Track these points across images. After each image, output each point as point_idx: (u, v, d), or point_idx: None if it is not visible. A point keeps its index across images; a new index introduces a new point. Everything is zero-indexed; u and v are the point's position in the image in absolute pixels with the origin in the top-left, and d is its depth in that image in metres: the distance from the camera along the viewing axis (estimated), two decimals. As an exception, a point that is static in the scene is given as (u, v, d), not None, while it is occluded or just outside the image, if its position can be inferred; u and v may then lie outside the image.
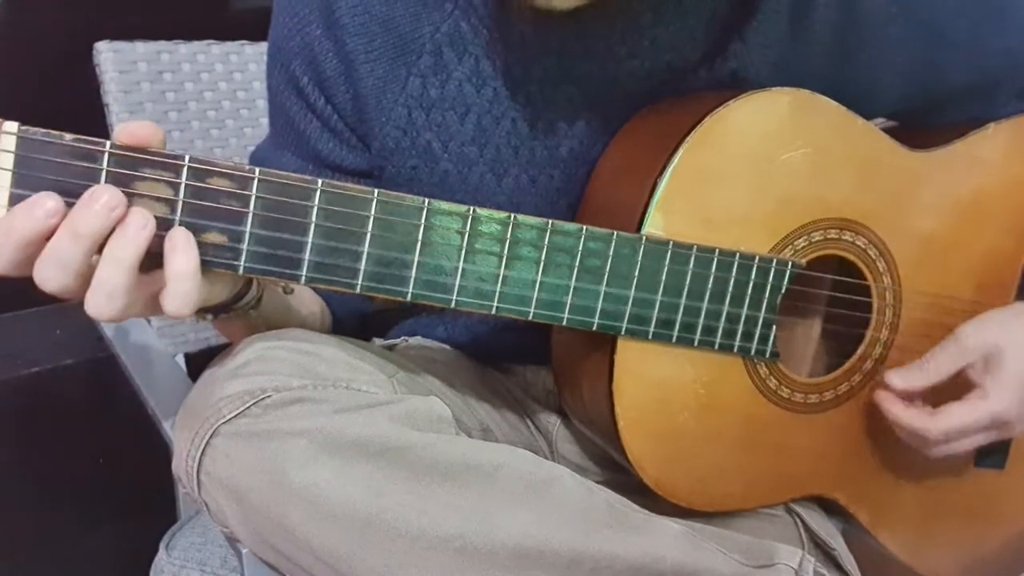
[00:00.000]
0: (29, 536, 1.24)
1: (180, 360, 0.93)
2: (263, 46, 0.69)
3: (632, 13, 0.61)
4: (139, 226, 0.44)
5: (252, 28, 0.82)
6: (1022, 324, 0.63)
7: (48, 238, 0.43)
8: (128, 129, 0.45)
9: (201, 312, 0.56)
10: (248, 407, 0.50)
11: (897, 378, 0.64)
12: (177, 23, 1.02)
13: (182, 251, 0.45)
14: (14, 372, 1.51)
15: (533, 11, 0.55)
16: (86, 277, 0.44)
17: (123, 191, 0.44)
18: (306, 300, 0.69)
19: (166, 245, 0.46)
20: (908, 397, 0.64)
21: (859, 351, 0.65)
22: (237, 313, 0.57)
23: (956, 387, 0.63)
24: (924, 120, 0.70)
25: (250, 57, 0.98)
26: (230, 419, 0.50)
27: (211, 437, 0.50)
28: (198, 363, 0.59)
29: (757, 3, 0.62)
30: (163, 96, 0.91)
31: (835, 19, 0.63)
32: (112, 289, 0.44)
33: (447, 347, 0.78)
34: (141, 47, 0.90)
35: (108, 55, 0.88)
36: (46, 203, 0.43)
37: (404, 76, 0.64)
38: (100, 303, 0.44)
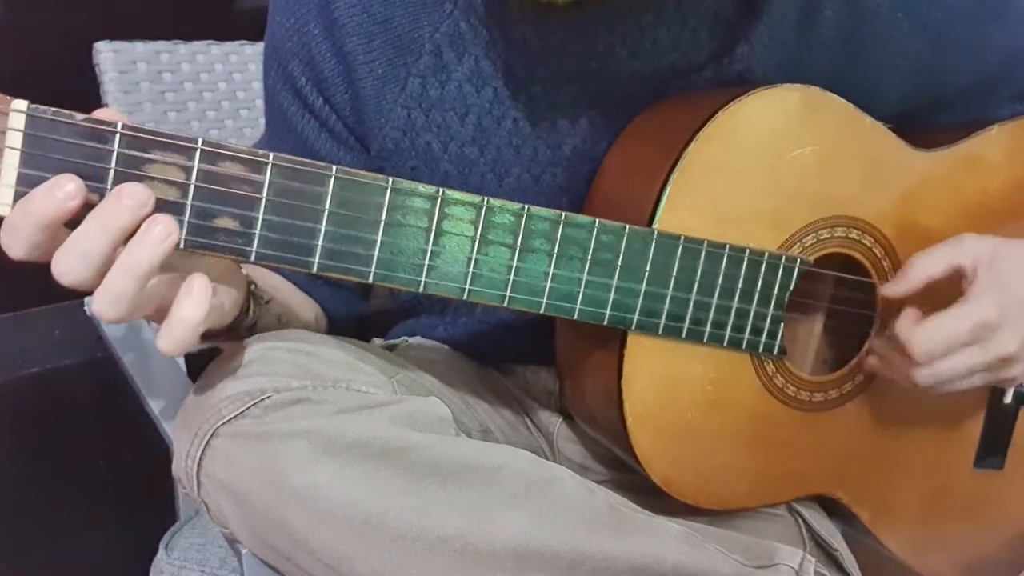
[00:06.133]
0: (29, 536, 1.24)
1: (180, 360, 0.93)
2: (263, 46, 0.69)
3: (633, 14, 0.61)
4: (159, 238, 0.43)
5: (252, 28, 0.82)
6: (1023, 245, 0.61)
7: (67, 224, 0.43)
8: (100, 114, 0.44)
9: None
10: (248, 408, 0.50)
11: (887, 288, 0.61)
12: (177, 23, 1.02)
13: (195, 300, 0.45)
14: (14, 372, 1.51)
15: (534, 8, 0.55)
16: (104, 273, 0.43)
17: (133, 172, 0.44)
18: (302, 309, 0.69)
19: (182, 287, 0.45)
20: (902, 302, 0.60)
21: (863, 350, 0.65)
22: (229, 338, 0.57)
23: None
24: (924, 121, 0.70)
25: (250, 57, 0.99)
26: (230, 420, 0.49)
27: (211, 438, 0.50)
28: (198, 363, 0.59)
29: (763, 6, 0.62)
30: (163, 96, 0.91)
31: (841, 21, 0.63)
32: (118, 295, 0.43)
33: (447, 347, 0.78)
34: (141, 47, 0.90)
35: (108, 55, 0.88)
36: (66, 185, 0.42)
37: (403, 76, 0.64)
38: (104, 306, 0.44)
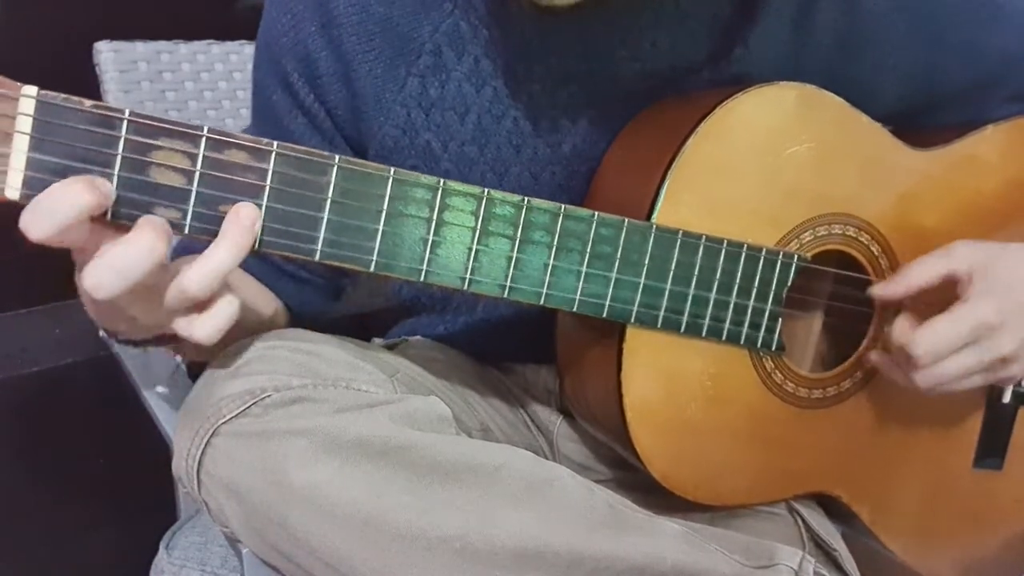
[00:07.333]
0: (30, 536, 1.24)
1: (180, 359, 0.93)
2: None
3: (631, 15, 0.61)
4: (148, 247, 0.43)
5: (252, 28, 0.82)
6: (1016, 249, 0.61)
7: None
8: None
9: (144, 343, 0.56)
10: (248, 407, 0.50)
11: (878, 288, 0.61)
12: (177, 23, 1.02)
13: (233, 238, 0.46)
14: (15, 371, 1.51)
15: (534, 9, 0.55)
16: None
17: (140, 159, 0.44)
18: (258, 304, 0.68)
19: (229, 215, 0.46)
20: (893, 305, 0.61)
21: (861, 348, 0.66)
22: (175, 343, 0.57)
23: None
24: (921, 120, 0.70)
25: (250, 57, 0.98)
26: (230, 419, 0.50)
27: (211, 437, 0.50)
28: (198, 363, 0.59)
29: (760, 7, 0.62)
30: (163, 96, 0.92)
31: (837, 22, 0.63)
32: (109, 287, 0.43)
33: (447, 346, 0.78)
34: (141, 47, 0.91)
35: (108, 55, 0.88)
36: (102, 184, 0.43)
37: (403, 76, 0.64)
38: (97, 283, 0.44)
